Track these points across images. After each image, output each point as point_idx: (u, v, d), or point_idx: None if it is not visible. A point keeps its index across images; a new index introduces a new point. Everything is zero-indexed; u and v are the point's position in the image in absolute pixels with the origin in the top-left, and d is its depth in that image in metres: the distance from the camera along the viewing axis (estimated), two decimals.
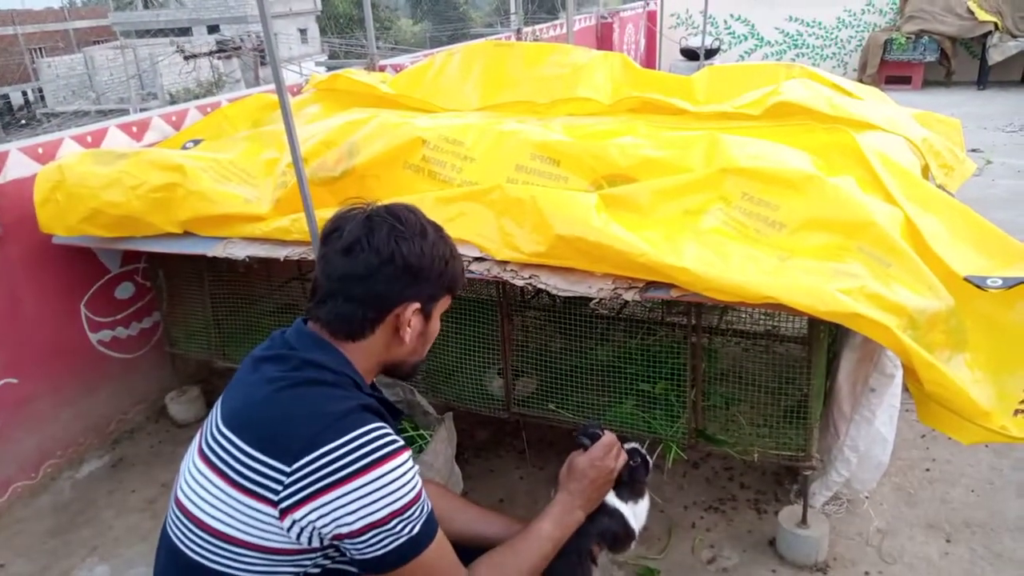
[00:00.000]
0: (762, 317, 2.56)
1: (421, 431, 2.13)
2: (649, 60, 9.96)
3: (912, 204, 1.91)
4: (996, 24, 8.22)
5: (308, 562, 1.09)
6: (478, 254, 1.94)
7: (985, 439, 1.60)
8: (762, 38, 10.05)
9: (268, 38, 1.89)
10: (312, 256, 2.06)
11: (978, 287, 1.67)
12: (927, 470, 2.37)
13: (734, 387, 2.19)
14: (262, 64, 18.37)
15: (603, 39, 8.47)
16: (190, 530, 1.10)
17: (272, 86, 3.07)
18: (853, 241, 1.71)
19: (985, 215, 1.90)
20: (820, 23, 9.70)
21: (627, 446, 1.42)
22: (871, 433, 1.85)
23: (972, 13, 8.30)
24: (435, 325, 1.26)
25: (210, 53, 20.91)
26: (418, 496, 1.08)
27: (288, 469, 1.03)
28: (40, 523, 2.44)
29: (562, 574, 1.30)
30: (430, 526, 1.09)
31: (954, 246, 1.82)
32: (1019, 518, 2.14)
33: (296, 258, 2.16)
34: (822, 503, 2.04)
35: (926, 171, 2.41)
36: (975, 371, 1.64)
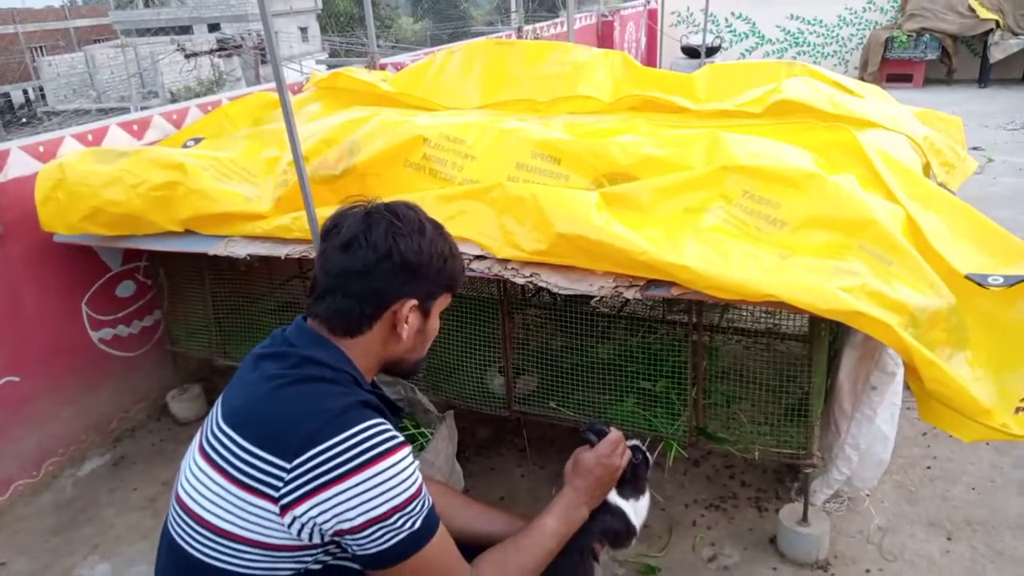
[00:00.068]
0: (763, 315, 2.56)
1: (422, 429, 2.14)
2: (650, 58, 9.95)
3: (913, 202, 1.91)
4: (997, 22, 8.21)
5: (309, 558, 1.09)
6: (479, 252, 1.94)
7: (986, 437, 1.60)
8: (763, 36, 10.04)
9: (269, 36, 1.89)
10: (313, 254, 2.06)
11: (979, 285, 1.67)
12: (928, 468, 2.37)
13: (735, 385, 2.19)
14: (263, 62, 18.37)
15: (604, 37, 8.46)
16: (191, 527, 1.10)
17: (273, 84, 3.07)
18: (854, 239, 1.71)
19: (986, 213, 1.90)
20: (821, 21, 9.70)
21: (628, 443, 1.43)
22: (872, 431, 1.85)
23: (973, 11, 8.29)
24: (434, 323, 1.26)
25: (211, 51, 20.92)
26: (419, 491, 1.08)
27: (288, 466, 1.03)
28: (42, 521, 2.44)
29: (565, 572, 1.30)
30: (431, 521, 1.10)
31: (955, 244, 1.82)
32: (1020, 516, 2.14)
33: (297, 256, 2.16)
34: (823, 501, 2.04)
35: (927, 169, 2.41)
36: (976, 369, 1.64)
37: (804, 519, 2.00)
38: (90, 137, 2.76)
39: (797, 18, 9.79)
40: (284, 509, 1.03)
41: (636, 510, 1.40)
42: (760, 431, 2.04)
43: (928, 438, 2.49)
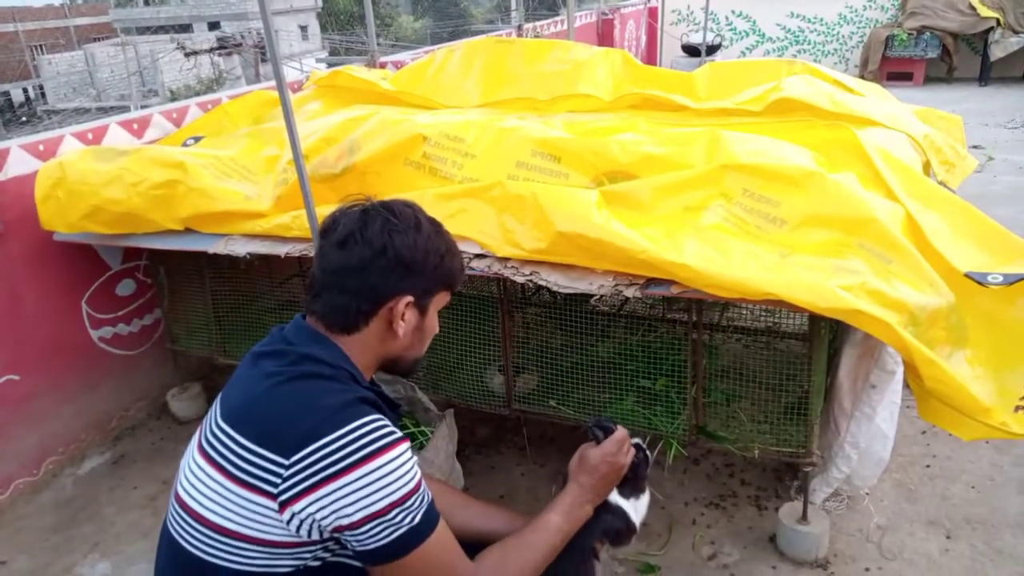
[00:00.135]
0: (763, 313, 2.56)
1: (422, 428, 2.14)
2: (650, 56, 9.95)
3: (913, 200, 1.91)
4: (998, 20, 8.20)
5: (308, 555, 1.09)
6: (479, 251, 1.94)
7: (986, 435, 1.60)
8: (763, 34, 10.04)
9: (269, 35, 1.89)
10: (312, 253, 2.06)
11: (979, 283, 1.67)
12: (928, 466, 2.37)
13: (735, 383, 2.19)
14: (263, 61, 18.37)
15: (604, 35, 8.46)
16: (190, 525, 1.10)
17: (273, 83, 3.07)
18: (854, 237, 1.71)
19: (986, 211, 1.90)
20: (822, 19, 9.69)
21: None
22: (872, 429, 1.85)
23: (974, 9, 8.28)
24: (432, 321, 1.26)
25: (211, 50, 20.91)
26: (418, 486, 1.08)
27: (287, 462, 1.03)
28: (42, 520, 2.44)
29: (566, 571, 1.30)
30: (431, 516, 1.09)
31: (955, 242, 1.82)
32: (1019, 514, 2.14)
33: (297, 255, 2.16)
34: (822, 499, 2.04)
35: (927, 167, 2.41)
36: (976, 367, 1.64)
37: (804, 517, 2.00)
38: (90, 136, 2.76)
39: (797, 16, 9.79)
40: (283, 506, 1.03)
41: (636, 509, 1.40)
42: (760, 429, 2.04)
43: (928, 436, 2.49)
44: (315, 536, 1.06)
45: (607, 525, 1.37)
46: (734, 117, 2.52)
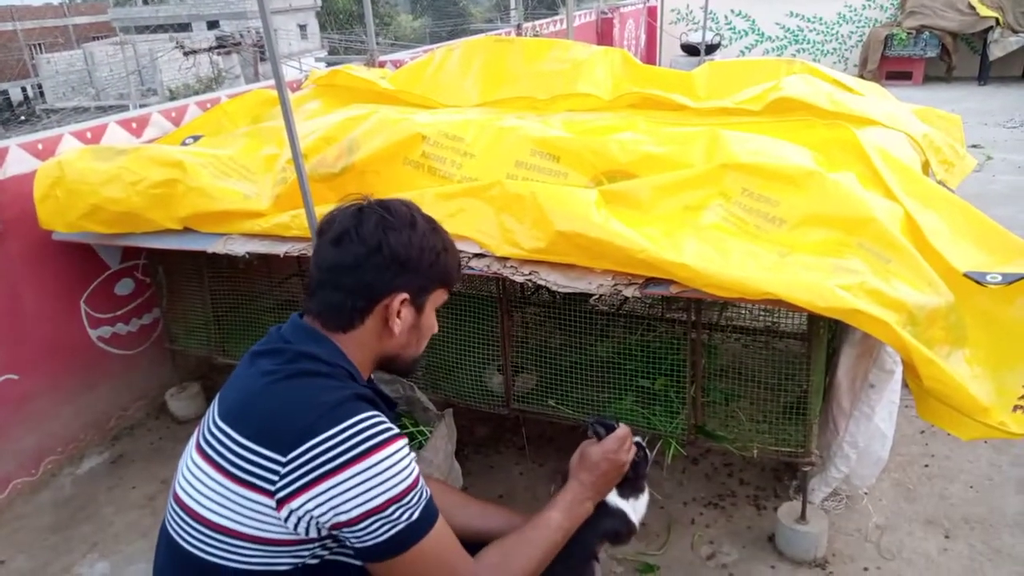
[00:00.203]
0: (762, 313, 2.56)
1: (421, 427, 2.14)
2: (649, 56, 9.95)
3: (912, 200, 1.91)
4: (997, 19, 8.21)
5: (306, 553, 1.09)
6: (478, 250, 1.94)
7: (984, 435, 1.60)
8: (763, 34, 10.04)
9: (268, 34, 1.88)
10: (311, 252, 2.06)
11: (978, 283, 1.67)
12: (926, 466, 2.37)
13: (734, 383, 2.19)
14: (262, 60, 18.35)
15: (603, 35, 8.46)
16: (189, 524, 1.10)
17: (272, 82, 3.06)
18: (853, 237, 1.71)
19: (985, 211, 1.90)
20: (821, 18, 9.69)
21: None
22: (870, 429, 1.85)
23: (973, 8, 8.28)
24: (429, 319, 1.26)
25: (210, 49, 20.89)
26: (415, 483, 1.08)
27: (284, 459, 1.03)
28: (40, 519, 2.44)
29: (566, 572, 1.30)
30: (430, 512, 1.09)
31: (954, 242, 1.82)
32: (1018, 514, 2.14)
33: (296, 254, 2.16)
34: (821, 499, 2.04)
35: (926, 167, 2.41)
36: (974, 367, 1.64)
37: (802, 517, 2.00)
38: (89, 135, 2.76)
39: (797, 15, 9.79)
40: (280, 503, 1.03)
41: (635, 508, 1.40)
42: (759, 429, 2.04)
43: (926, 436, 2.49)
44: (313, 534, 1.06)
45: (606, 526, 1.37)
46: (733, 116, 2.52)
